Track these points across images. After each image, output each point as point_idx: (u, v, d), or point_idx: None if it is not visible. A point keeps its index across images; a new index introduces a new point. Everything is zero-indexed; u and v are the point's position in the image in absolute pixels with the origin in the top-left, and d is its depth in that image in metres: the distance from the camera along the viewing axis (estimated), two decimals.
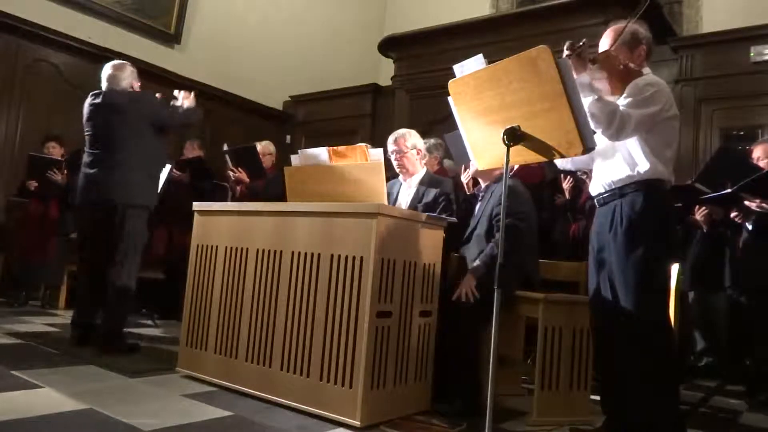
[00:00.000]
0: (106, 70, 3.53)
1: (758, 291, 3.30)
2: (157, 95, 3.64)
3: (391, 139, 3.23)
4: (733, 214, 3.37)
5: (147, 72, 6.09)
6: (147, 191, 3.48)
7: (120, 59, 3.84)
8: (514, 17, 5.92)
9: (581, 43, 2.07)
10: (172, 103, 3.65)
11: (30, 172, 4.96)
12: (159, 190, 3.96)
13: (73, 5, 5.92)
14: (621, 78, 2.20)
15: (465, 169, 3.54)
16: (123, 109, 3.39)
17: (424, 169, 3.28)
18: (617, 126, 2.06)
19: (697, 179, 3.48)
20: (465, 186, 3.53)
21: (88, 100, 3.49)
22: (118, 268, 3.35)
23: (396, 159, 3.17)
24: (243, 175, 4.56)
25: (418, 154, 3.21)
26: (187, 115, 3.62)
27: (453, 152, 3.71)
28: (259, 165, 4.61)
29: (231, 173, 4.62)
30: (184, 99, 3.65)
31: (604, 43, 2.27)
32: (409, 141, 3.18)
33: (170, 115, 3.56)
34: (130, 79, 3.54)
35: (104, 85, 3.51)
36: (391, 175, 3.18)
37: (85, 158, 3.49)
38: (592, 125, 2.00)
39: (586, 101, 2.02)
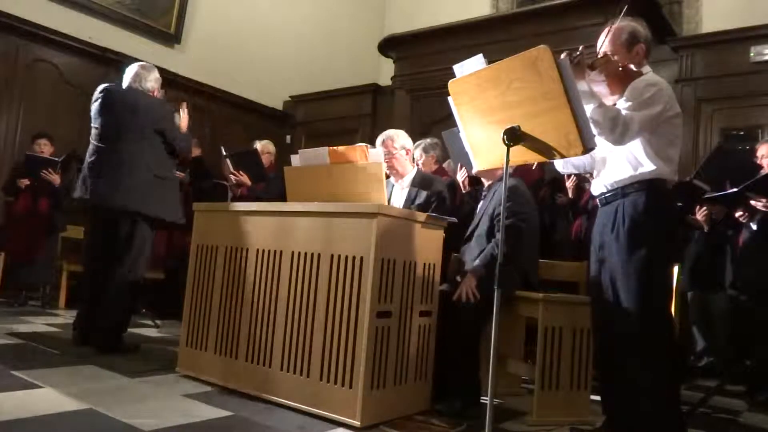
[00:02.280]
0: (133, 68, 3.51)
1: (759, 291, 3.30)
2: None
3: (378, 141, 3.23)
4: (738, 214, 3.37)
5: None
6: (161, 200, 3.38)
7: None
8: (514, 17, 5.92)
9: (578, 52, 2.07)
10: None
11: (24, 171, 4.94)
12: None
13: (73, 5, 5.92)
14: (621, 79, 2.20)
15: (460, 168, 3.54)
16: (137, 108, 3.35)
17: (415, 169, 3.30)
18: (620, 131, 2.05)
19: (695, 176, 3.48)
20: (461, 185, 3.53)
21: (100, 94, 3.43)
22: (121, 270, 3.32)
23: (385, 161, 3.12)
24: (244, 178, 4.55)
25: (407, 154, 3.23)
26: (183, 139, 3.57)
27: (450, 150, 3.71)
28: (262, 168, 4.61)
29: (232, 177, 4.60)
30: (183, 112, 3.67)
31: (603, 45, 2.26)
32: (398, 142, 3.19)
33: (173, 133, 3.50)
34: (154, 83, 3.52)
35: (126, 83, 3.48)
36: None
37: (90, 154, 3.40)
38: (595, 132, 2.00)
39: (588, 108, 2.01)
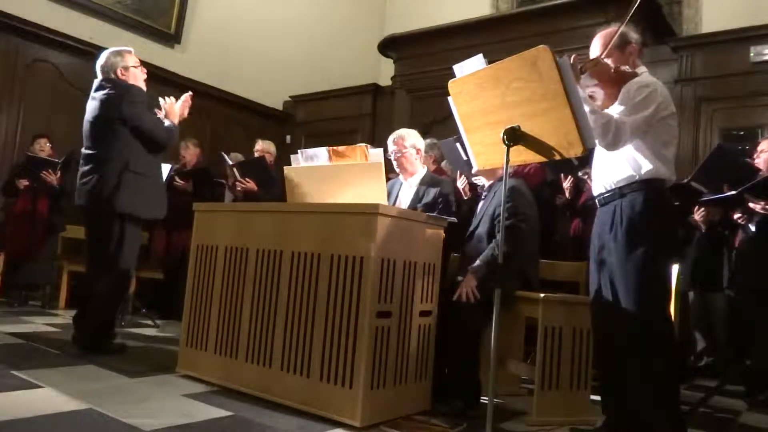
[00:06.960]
0: (101, 59, 3.37)
1: (758, 291, 3.30)
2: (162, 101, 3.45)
3: (390, 139, 3.28)
4: (736, 216, 3.37)
5: (147, 72, 6.10)
6: (136, 197, 3.24)
7: None
8: (514, 17, 5.92)
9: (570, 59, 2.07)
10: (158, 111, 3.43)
11: (23, 171, 4.94)
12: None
13: (73, 5, 5.92)
14: (615, 82, 2.21)
15: (460, 175, 3.57)
16: (101, 104, 3.23)
17: (425, 168, 3.33)
18: (613, 137, 2.06)
19: (692, 178, 3.47)
20: (462, 191, 3.56)
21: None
22: (106, 270, 3.25)
23: (395, 159, 3.22)
24: (251, 185, 4.56)
25: (417, 153, 3.26)
26: (167, 135, 3.32)
27: (448, 159, 3.73)
28: (268, 173, 4.62)
29: (239, 185, 4.60)
30: (182, 102, 3.45)
31: (594, 50, 2.27)
32: (408, 141, 3.23)
33: (139, 119, 3.23)
34: (115, 66, 3.29)
35: (98, 78, 3.36)
36: (391, 174, 3.19)
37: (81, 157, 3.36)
38: None
39: None
